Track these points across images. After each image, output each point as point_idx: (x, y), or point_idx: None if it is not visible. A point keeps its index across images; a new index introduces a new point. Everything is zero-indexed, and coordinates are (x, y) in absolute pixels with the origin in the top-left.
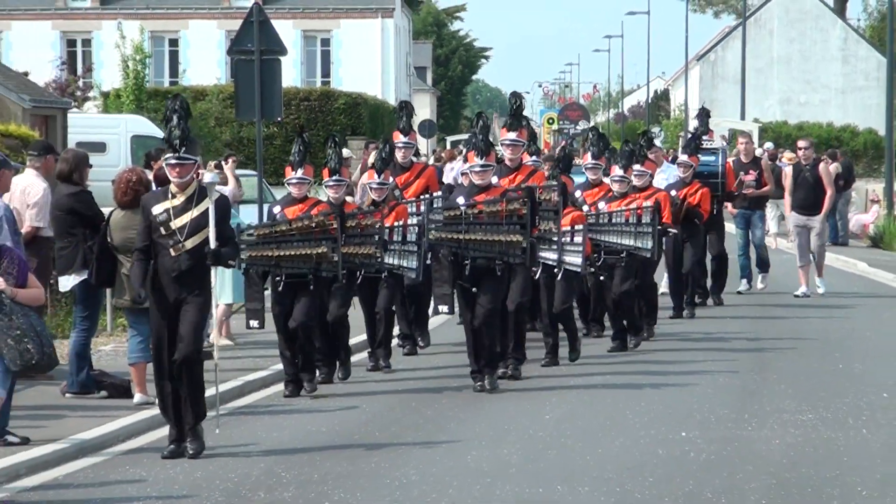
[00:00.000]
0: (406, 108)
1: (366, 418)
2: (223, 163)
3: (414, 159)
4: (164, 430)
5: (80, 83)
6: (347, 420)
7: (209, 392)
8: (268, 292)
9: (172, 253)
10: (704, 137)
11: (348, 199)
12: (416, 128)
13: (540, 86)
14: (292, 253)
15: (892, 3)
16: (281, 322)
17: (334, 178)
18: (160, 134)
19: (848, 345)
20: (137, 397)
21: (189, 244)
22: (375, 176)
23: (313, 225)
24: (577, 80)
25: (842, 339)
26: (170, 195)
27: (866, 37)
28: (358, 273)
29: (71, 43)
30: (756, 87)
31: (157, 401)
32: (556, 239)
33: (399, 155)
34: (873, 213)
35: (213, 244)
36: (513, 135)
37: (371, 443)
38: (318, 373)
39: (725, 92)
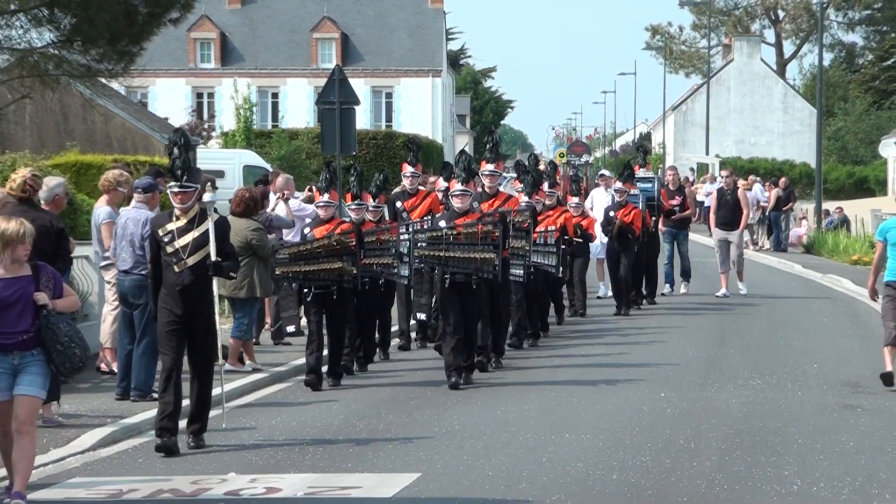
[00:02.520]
0: (413, 144)
1: (416, 384)
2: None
3: (421, 187)
4: (269, 390)
5: (206, 126)
6: (402, 386)
7: (215, 391)
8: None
9: (176, 269)
10: (643, 170)
11: (368, 217)
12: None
13: (553, 128)
14: (317, 268)
15: (822, 66)
16: (312, 326)
17: (356, 202)
18: (264, 163)
19: (788, 327)
20: (248, 364)
21: (191, 261)
22: (371, 200)
23: (335, 243)
24: (581, 124)
25: (783, 322)
26: (174, 218)
27: (801, 93)
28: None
29: (199, 95)
30: (717, 130)
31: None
32: (526, 256)
33: (406, 182)
34: (805, 227)
35: (213, 257)
36: (491, 166)
37: (423, 401)
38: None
39: (694, 134)
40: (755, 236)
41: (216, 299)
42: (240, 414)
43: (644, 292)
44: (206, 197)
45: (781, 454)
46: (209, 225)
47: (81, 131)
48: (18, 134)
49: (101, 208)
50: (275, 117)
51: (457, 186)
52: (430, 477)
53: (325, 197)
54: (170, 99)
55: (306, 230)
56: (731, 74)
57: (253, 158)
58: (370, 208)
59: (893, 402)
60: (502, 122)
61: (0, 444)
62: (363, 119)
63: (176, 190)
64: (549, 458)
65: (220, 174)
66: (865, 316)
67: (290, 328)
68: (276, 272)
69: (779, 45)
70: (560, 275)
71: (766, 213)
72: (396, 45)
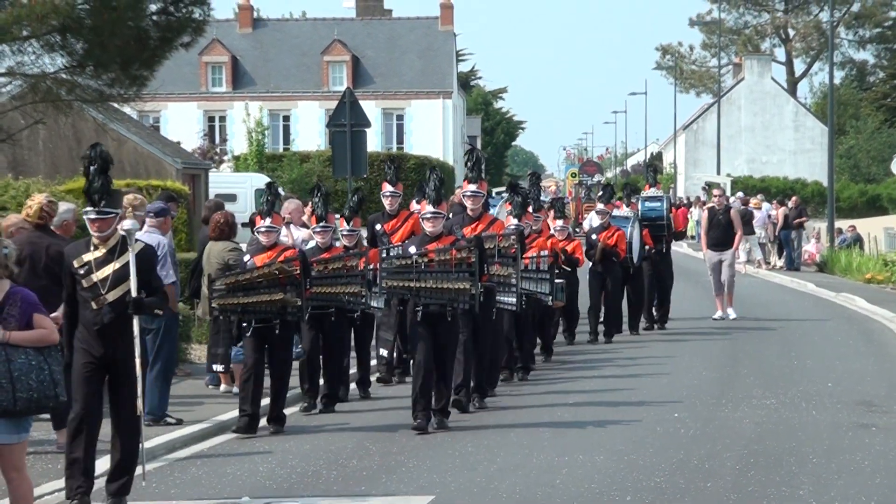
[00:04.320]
0: (394, 162)
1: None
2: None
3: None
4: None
5: (218, 150)
6: (404, 415)
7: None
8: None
9: (94, 306)
10: (652, 189)
11: (337, 243)
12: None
13: (564, 149)
14: (257, 299)
15: (833, 84)
16: (249, 363)
17: (321, 224)
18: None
19: (801, 346)
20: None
21: (111, 297)
22: (346, 224)
23: (276, 271)
24: (592, 145)
25: (796, 342)
26: (92, 247)
27: (812, 111)
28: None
29: (211, 119)
30: (728, 149)
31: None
32: (515, 283)
33: (386, 203)
34: (815, 246)
35: (133, 293)
36: (473, 187)
37: (434, 432)
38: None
39: (705, 154)
40: (768, 256)
41: (137, 340)
42: (252, 439)
43: (655, 316)
44: (127, 224)
45: (796, 474)
46: (130, 256)
47: None
48: (32, 159)
49: None
50: (286, 140)
51: (427, 208)
52: (443, 499)
53: (268, 221)
54: (182, 123)
55: (245, 257)
56: (742, 93)
57: (264, 182)
58: (345, 233)
59: None
60: (513, 143)
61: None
62: (374, 141)
63: (93, 216)
64: (562, 479)
65: (232, 198)
66: (879, 334)
67: (218, 367)
68: (213, 305)
69: (789, 64)
70: (551, 304)
71: (777, 232)
72: (407, 67)
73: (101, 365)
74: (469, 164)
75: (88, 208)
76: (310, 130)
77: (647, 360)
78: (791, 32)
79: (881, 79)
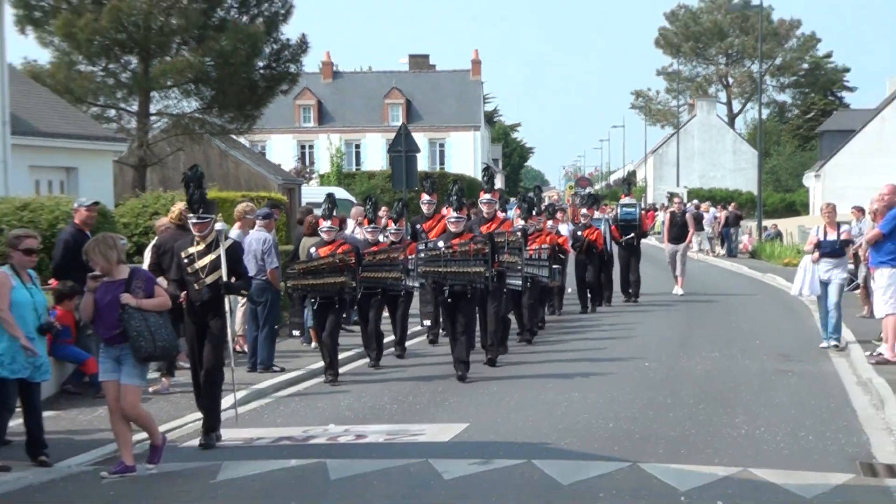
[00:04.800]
0: (430, 177)
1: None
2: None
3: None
4: (354, 365)
5: (308, 170)
6: (447, 367)
7: (226, 399)
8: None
9: (196, 287)
10: (627, 198)
11: (383, 239)
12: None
13: (563, 168)
14: (321, 282)
15: (761, 119)
16: (319, 332)
17: (371, 225)
18: (350, 196)
19: (738, 313)
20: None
21: (208, 280)
22: (393, 224)
23: (337, 261)
24: (585, 164)
25: (734, 310)
26: (195, 243)
27: (746, 139)
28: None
29: (302, 147)
30: (685, 167)
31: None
32: (520, 269)
33: (424, 208)
34: (748, 239)
35: (224, 278)
36: (488, 196)
37: (470, 372)
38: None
39: (668, 171)
40: (714, 247)
41: (228, 314)
42: (342, 377)
43: (631, 292)
44: (219, 226)
45: (734, 406)
46: (221, 251)
47: (219, 174)
48: (175, 177)
49: (232, 231)
50: (357, 162)
51: (451, 213)
52: (476, 426)
53: (328, 223)
54: (281, 150)
55: (312, 250)
56: (695, 126)
57: (342, 193)
58: (392, 231)
59: (815, 368)
60: (525, 164)
61: (114, 423)
62: (422, 163)
63: (194, 221)
64: (563, 412)
65: (318, 205)
66: (794, 304)
67: (296, 332)
68: (288, 285)
69: (729, 104)
70: (552, 284)
71: (721, 229)
72: (446, 107)
73: (201, 331)
74: (485, 179)
75: (191, 215)
76: (375, 155)
77: (624, 325)
78: (730, 80)
79: (796, 115)
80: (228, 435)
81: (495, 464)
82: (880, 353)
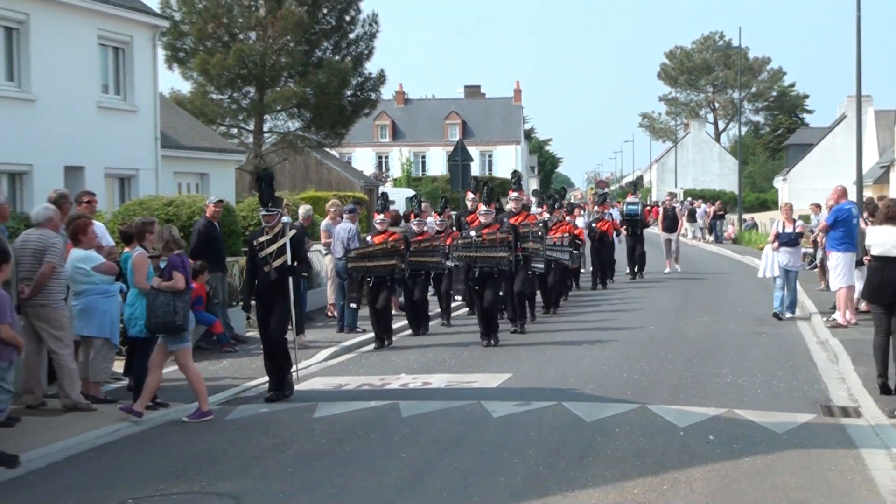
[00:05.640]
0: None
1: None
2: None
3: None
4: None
5: (384, 175)
6: (473, 336)
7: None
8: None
9: (265, 270)
10: (633, 196)
11: (426, 229)
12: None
13: (586, 173)
14: (376, 264)
15: (741, 135)
16: (371, 306)
17: (417, 218)
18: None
19: (723, 286)
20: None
21: (275, 264)
22: (438, 216)
23: (389, 247)
24: (603, 170)
25: (720, 284)
26: (264, 233)
27: (729, 151)
28: (422, 274)
29: (379, 157)
30: (681, 174)
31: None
32: (542, 254)
33: (469, 204)
34: (731, 229)
35: (289, 262)
36: (515, 194)
37: (513, 334)
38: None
39: (668, 176)
40: (704, 235)
41: (290, 293)
42: (404, 339)
43: (635, 271)
44: (285, 218)
45: (720, 360)
46: (286, 239)
47: (316, 179)
48: (283, 181)
49: (324, 223)
50: (423, 169)
51: (482, 207)
52: (518, 376)
53: (381, 217)
54: (362, 159)
55: (368, 238)
56: (689, 141)
57: (411, 193)
58: (438, 222)
59: (784, 331)
60: (556, 170)
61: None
62: (475, 170)
63: (264, 213)
64: (586, 364)
65: (393, 202)
66: (767, 281)
67: (353, 305)
68: (348, 266)
69: (716, 124)
70: (572, 266)
71: (709, 220)
72: (494, 126)
73: (268, 305)
74: (513, 181)
75: (262, 209)
76: (437, 164)
77: (632, 298)
78: (716, 105)
79: (767, 132)
80: (322, 382)
81: (533, 405)
82: (834, 319)
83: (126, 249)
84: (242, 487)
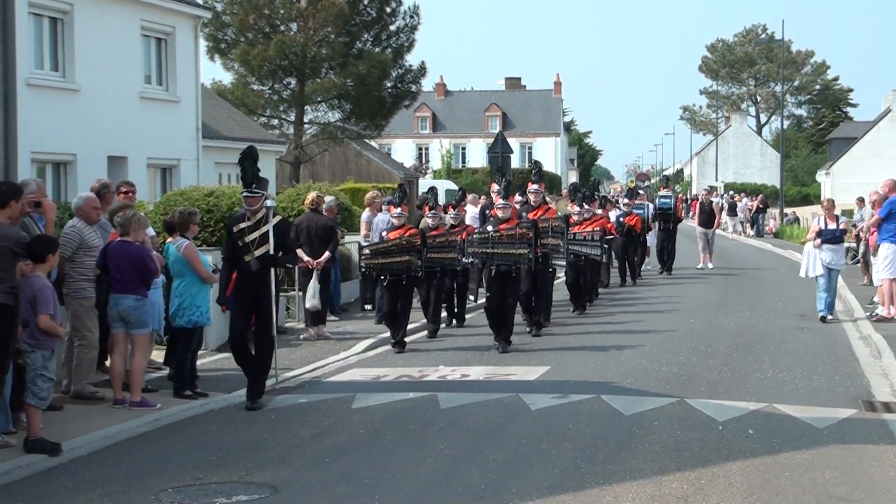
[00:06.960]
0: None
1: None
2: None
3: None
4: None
5: (424, 166)
6: (488, 336)
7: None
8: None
9: (246, 259)
10: (665, 189)
11: (449, 222)
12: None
13: (626, 166)
14: (390, 261)
15: (783, 128)
16: (386, 305)
17: (432, 212)
18: (456, 187)
19: (764, 281)
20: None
21: (257, 253)
22: (452, 210)
23: (405, 242)
24: (643, 163)
25: (761, 278)
26: (246, 218)
27: (771, 144)
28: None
29: (419, 148)
30: (722, 167)
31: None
32: (563, 251)
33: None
34: (773, 223)
35: (271, 251)
36: (535, 187)
37: (550, 329)
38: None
39: (709, 169)
40: (745, 229)
41: (272, 285)
42: (442, 331)
43: (665, 266)
44: (269, 202)
45: (760, 355)
46: (269, 226)
47: (355, 170)
48: (322, 172)
49: (364, 213)
50: (463, 161)
51: (500, 201)
52: (556, 368)
53: (398, 210)
54: (403, 151)
55: (384, 233)
56: (731, 134)
57: (451, 185)
58: (451, 216)
59: (827, 326)
60: (596, 163)
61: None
62: (515, 161)
63: (246, 195)
64: (625, 357)
65: (434, 190)
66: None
67: (367, 306)
68: (361, 264)
69: (757, 117)
70: (602, 260)
71: (751, 214)
72: (534, 118)
73: (250, 301)
74: (533, 172)
75: (244, 190)
76: (477, 155)
77: (671, 294)
78: (758, 98)
79: (810, 125)
80: (360, 373)
81: (571, 398)
82: (878, 313)
83: (168, 240)
84: (280, 477)
